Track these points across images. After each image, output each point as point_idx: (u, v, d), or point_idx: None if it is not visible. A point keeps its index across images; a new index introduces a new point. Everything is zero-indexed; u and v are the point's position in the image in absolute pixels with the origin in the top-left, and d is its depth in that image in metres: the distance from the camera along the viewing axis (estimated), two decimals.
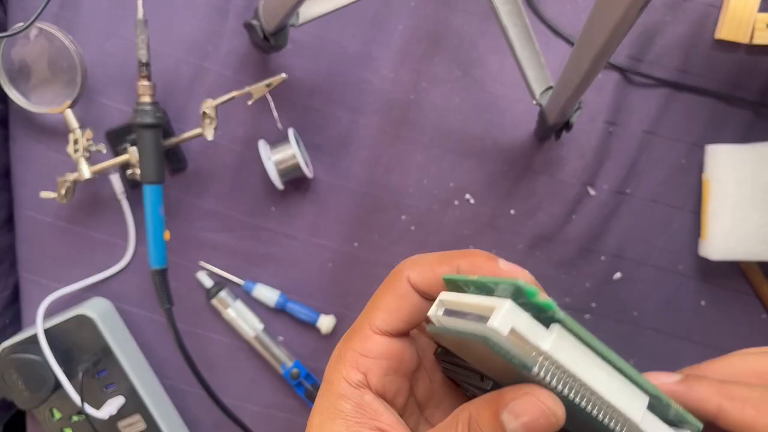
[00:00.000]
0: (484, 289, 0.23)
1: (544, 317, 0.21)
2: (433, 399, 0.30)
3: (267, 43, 0.54)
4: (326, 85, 0.60)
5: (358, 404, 0.26)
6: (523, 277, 0.24)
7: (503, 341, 0.20)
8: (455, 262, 0.25)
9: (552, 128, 0.55)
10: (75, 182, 0.57)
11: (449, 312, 0.24)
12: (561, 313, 0.21)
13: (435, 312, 0.25)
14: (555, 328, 0.21)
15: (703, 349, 0.65)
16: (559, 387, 0.21)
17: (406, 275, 0.26)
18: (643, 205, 0.62)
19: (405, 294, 0.26)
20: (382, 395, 0.27)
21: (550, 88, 0.51)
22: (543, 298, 0.21)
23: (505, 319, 0.20)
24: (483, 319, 0.21)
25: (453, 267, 0.25)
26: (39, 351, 0.56)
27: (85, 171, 0.55)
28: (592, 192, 0.62)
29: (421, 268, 0.26)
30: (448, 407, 0.30)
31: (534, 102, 0.52)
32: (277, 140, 0.59)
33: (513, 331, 0.20)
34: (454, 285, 0.25)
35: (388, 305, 0.27)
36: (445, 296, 0.25)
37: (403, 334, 0.27)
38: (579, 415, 0.21)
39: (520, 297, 0.21)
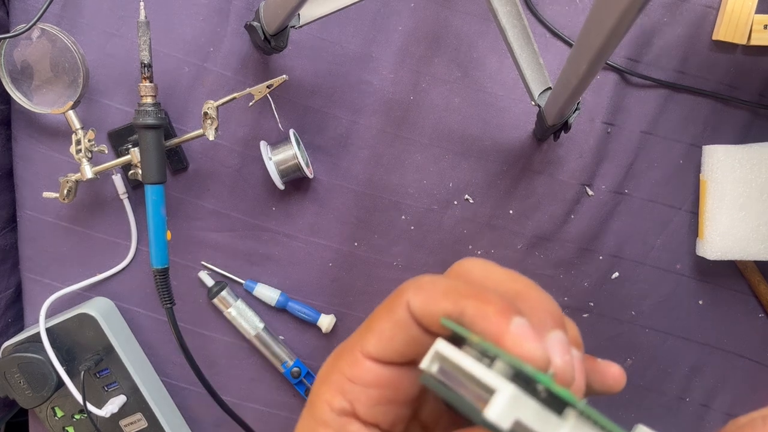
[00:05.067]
0: (486, 353, 0.20)
1: (555, 399, 0.18)
2: (441, 422, 0.26)
3: (268, 44, 0.54)
4: (326, 85, 0.60)
5: None
6: (533, 350, 0.19)
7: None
8: (462, 302, 0.21)
9: (551, 129, 0.55)
10: (77, 182, 0.57)
11: (444, 372, 0.21)
12: (581, 404, 0.18)
13: (428, 366, 0.21)
14: (570, 415, 0.18)
15: (700, 348, 0.65)
16: None
17: (407, 300, 0.22)
18: (641, 205, 0.63)
19: (402, 322, 0.23)
20: (374, 425, 0.23)
21: (549, 88, 0.52)
22: (558, 388, 0.18)
23: (506, 411, 0.18)
24: (482, 399, 0.19)
25: (458, 307, 0.21)
26: (41, 350, 0.56)
27: (87, 171, 0.56)
28: (590, 192, 0.62)
29: (424, 297, 0.22)
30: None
31: (533, 103, 0.52)
32: (277, 141, 0.59)
33: (518, 424, 0.18)
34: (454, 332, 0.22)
35: (383, 331, 0.23)
36: (443, 349, 0.21)
37: (397, 364, 0.23)
38: None
39: (526, 378, 0.18)
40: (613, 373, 0.24)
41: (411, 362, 0.24)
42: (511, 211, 0.62)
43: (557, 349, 0.20)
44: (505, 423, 0.17)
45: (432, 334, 0.22)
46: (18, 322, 0.64)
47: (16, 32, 0.54)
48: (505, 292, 0.23)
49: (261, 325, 0.62)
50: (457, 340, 0.22)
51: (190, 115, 0.60)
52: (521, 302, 0.22)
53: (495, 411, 0.17)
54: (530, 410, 0.18)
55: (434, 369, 0.21)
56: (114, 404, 0.58)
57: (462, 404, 0.19)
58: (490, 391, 0.18)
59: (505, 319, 0.20)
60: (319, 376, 0.25)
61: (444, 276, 0.24)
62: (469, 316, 0.21)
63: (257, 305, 0.63)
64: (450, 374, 0.21)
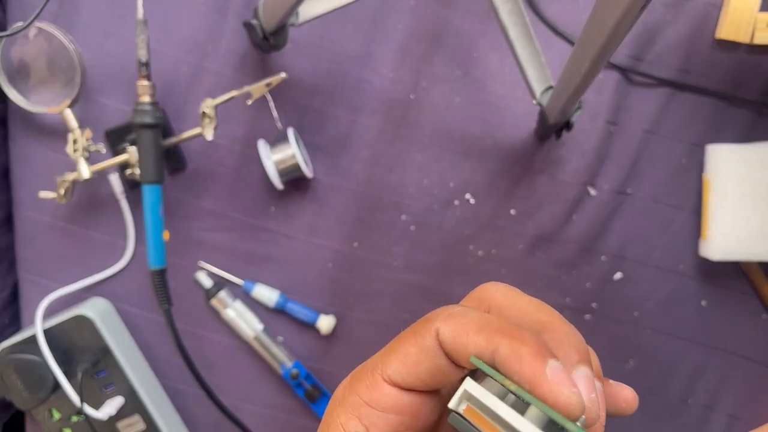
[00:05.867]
0: (511, 390, 0.20)
1: None
2: None
3: (266, 42, 0.54)
4: (326, 84, 0.59)
5: None
6: (569, 397, 0.19)
7: None
8: (496, 339, 0.20)
9: (552, 128, 0.55)
10: (74, 182, 0.56)
11: (472, 413, 0.21)
12: None
13: (456, 405, 0.21)
14: None
15: (703, 349, 0.64)
16: None
17: (436, 328, 0.22)
18: (644, 205, 0.62)
19: (429, 350, 0.22)
20: None
21: (551, 87, 0.51)
22: None
23: None
24: None
25: (492, 344, 0.20)
26: (38, 351, 0.55)
27: (85, 171, 0.55)
28: (592, 192, 0.62)
29: (455, 326, 0.21)
30: None
31: (534, 101, 0.52)
32: (276, 140, 0.59)
33: None
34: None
35: (408, 356, 0.22)
36: (472, 389, 0.21)
37: (418, 391, 0.23)
38: None
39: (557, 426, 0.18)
40: (625, 397, 0.24)
41: (431, 390, 0.23)
42: (512, 211, 0.62)
43: (584, 387, 0.20)
44: None
45: (458, 366, 0.22)
46: (15, 323, 0.63)
47: (13, 31, 0.53)
48: (529, 322, 0.22)
49: (260, 327, 0.62)
50: (476, 370, 0.21)
51: (188, 114, 0.59)
52: (547, 334, 0.22)
53: None
54: None
55: (462, 408, 0.21)
56: (111, 406, 0.58)
57: None
58: None
59: (541, 361, 0.19)
60: (335, 397, 0.24)
61: (473, 307, 0.23)
62: (503, 356, 0.20)
63: (256, 306, 0.63)
64: (478, 415, 0.21)
